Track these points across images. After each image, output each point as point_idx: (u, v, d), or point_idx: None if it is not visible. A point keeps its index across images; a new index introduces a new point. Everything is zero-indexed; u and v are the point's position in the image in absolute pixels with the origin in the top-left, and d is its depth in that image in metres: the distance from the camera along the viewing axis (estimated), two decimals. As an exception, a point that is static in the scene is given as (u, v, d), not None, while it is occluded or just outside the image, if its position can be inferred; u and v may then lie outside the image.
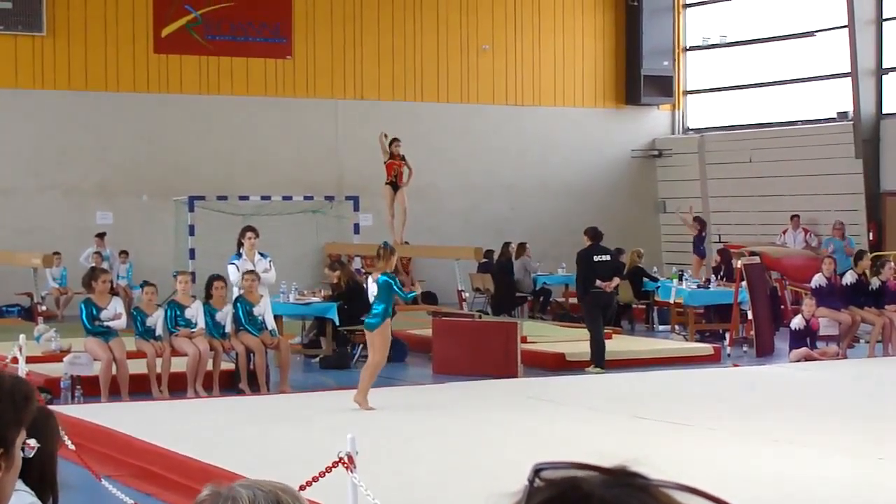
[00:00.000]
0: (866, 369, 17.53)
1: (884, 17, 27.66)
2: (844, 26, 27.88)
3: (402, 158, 21.88)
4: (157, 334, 15.67)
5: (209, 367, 15.73)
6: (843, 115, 28.52)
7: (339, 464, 7.61)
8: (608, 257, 18.46)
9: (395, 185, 21.86)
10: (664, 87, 32.29)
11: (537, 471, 1.52)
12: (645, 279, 24.28)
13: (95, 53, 27.56)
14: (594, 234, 18.59)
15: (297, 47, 29.20)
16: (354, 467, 7.59)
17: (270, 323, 16.40)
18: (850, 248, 25.29)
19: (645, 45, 31.92)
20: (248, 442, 11.57)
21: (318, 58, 29.35)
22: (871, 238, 27.33)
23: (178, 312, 15.81)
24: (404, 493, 9.45)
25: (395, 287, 13.47)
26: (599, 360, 17.78)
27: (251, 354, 16.02)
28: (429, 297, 28.97)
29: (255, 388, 15.86)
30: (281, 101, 29.02)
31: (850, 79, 27.88)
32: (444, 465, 10.57)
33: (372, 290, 13.61)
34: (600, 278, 18.02)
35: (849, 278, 19.77)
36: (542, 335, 20.79)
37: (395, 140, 21.89)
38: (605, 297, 18.21)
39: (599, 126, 32.11)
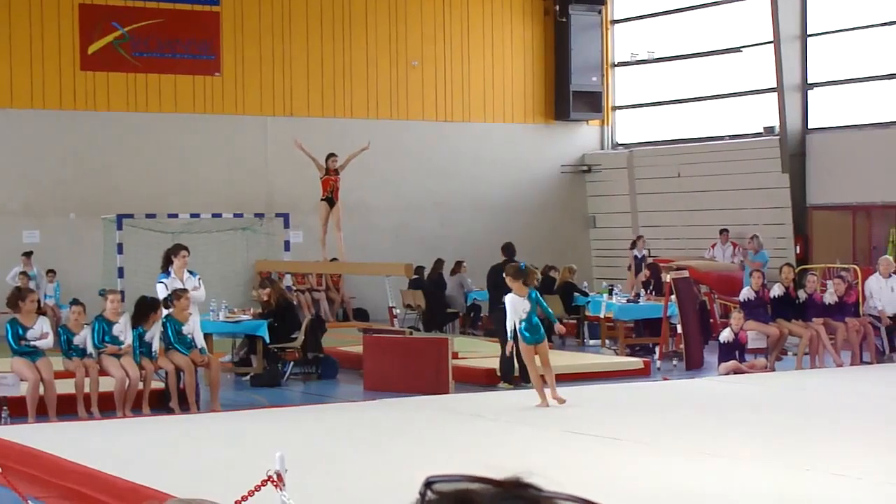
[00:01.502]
0: (794, 381, 17.70)
1: (808, 32, 27.99)
2: (770, 42, 28.19)
3: (337, 172, 21.83)
4: (87, 353, 15.49)
5: (140, 386, 15.59)
6: (769, 130, 28.82)
7: (269, 482, 7.56)
8: None
9: (330, 200, 21.79)
10: (593, 102, 32.50)
11: (429, 483, 1.50)
12: (576, 294, 24.40)
13: (21, 70, 27.27)
14: (507, 249, 18.82)
15: (226, 64, 29.06)
16: (284, 485, 7.54)
17: (200, 341, 16.29)
18: (754, 263, 25.23)
19: (574, 60, 32.12)
20: (178, 461, 11.47)
21: (246, 74, 29.22)
22: (797, 252, 27.61)
23: (106, 328, 15.64)
24: (336, 510, 9.40)
25: (540, 300, 14.92)
26: (505, 376, 17.79)
27: (181, 373, 15.90)
28: (360, 314, 28.93)
29: (184, 406, 15.74)
30: (210, 118, 28.87)
31: (776, 94, 28.19)
32: (374, 483, 10.52)
33: (524, 306, 14.54)
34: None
35: (776, 291, 19.96)
36: (473, 351, 20.79)
37: (331, 155, 21.82)
38: None
39: (529, 141, 32.23)
